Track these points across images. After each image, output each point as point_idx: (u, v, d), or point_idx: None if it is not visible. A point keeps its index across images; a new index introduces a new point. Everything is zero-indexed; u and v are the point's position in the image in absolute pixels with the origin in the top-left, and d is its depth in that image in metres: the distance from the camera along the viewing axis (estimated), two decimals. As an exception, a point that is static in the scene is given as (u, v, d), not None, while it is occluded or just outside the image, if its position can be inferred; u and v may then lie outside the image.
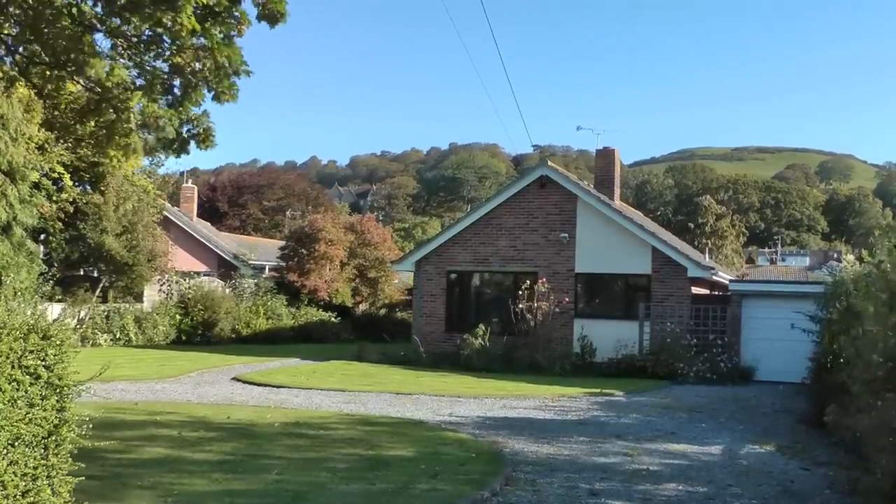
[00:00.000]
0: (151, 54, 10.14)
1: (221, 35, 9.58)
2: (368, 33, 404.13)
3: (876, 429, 7.80)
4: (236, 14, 9.57)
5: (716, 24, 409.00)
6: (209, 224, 48.80)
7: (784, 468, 11.56)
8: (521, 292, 26.06)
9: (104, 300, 30.81)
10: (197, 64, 9.66)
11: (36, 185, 24.33)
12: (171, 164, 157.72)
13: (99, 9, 9.91)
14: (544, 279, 26.48)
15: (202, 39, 9.53)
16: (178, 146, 10.44)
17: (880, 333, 8.48)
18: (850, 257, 18.15)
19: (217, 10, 9.38)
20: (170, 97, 10.08)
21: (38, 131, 22.94)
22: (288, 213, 63.54)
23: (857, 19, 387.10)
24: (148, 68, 10.09)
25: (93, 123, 11.82)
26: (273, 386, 19.50)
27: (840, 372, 12.72)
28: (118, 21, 9.75)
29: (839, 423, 11.43)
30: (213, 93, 9.89)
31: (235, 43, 9.62)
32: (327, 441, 12.14)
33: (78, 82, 11.39)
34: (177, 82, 10.18)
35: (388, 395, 18.48)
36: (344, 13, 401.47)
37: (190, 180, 50.05)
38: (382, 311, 41.95)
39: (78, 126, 14.53)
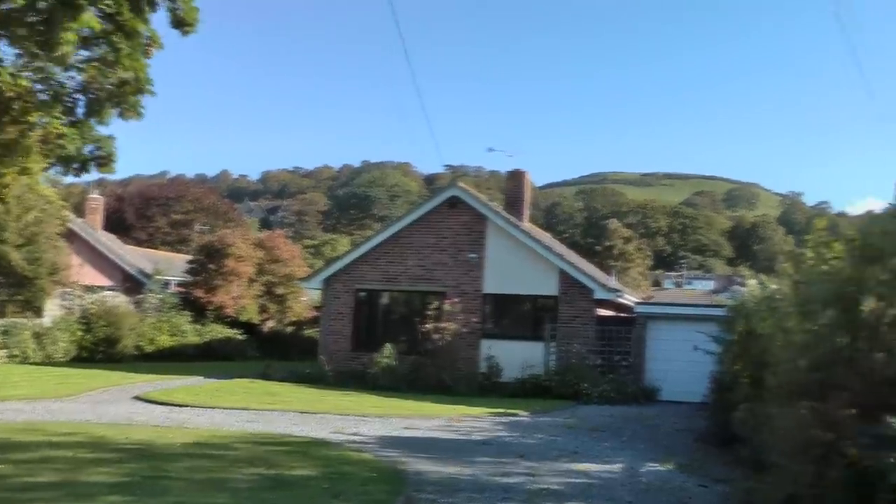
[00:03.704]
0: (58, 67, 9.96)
1: (128, 49, 9.47)
2: (283, 49, 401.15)
3: (780, 438, 8.05)
4: (146, 33, 9.49)
5: (628, 53, 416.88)
6: (115, 237, 47.72)
7: (682, 485, 11.82)
8: (429, 312, 26.17)
9: (1, 315, 29.94)
10: (104, 81, 9.52)
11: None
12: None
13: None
14: (453, 299, 26.64)
15: (110, 53, 9.41)
16: (79, 166, 10.25)
17: (792, 347, 8.79)
18: (753, 282, 18.67)
19: (122, 21, 9.27)
20: (72, 117, 9.90)
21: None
22: (196, 227, 62.63)
23: (763, 53, 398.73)
24: (53, 82, 9.91)
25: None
26: (175, 405, 19.16)
27: (740, 391, 13.07)
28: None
29: (741, 435, 11.73)
30: (118, 109, 9.76)
31: (141, 58, 9.52)
32: (229, 461, 11.99)
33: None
34: (81, 98, 10.01)
35: (292, 413, 18.34)
36: (258, 27, 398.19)
37: (96, 191, 48.90)
38: (290, 329, 41.64)
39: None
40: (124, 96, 9.57)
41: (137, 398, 20.46)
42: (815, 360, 8.13)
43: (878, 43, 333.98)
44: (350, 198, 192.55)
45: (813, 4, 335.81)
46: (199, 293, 37.20)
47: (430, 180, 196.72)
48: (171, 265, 42.91)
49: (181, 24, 9.44)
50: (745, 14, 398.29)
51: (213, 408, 18.86)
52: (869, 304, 7.91)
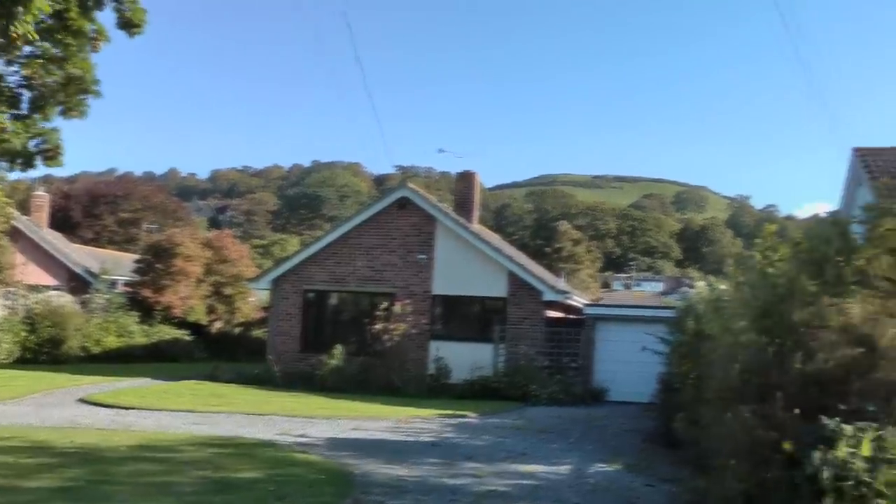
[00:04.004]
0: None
1: (74, 47, 9.39)
2: (233, 47, 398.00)
3: (726, 439, 8.18)
4: (93, 28, 9.41)
5: (578, 56, 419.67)
6: (61, 235, 46.99)
7: (630, 485, 11.95)
8: (378, 313, 26.16)
9: (-58, 315, 29.41)
10: (48, 79, 9.43)
11: None
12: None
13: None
14: (402, 300, 26.66)
15: (56, 50, 9.32)
16: (24, 161, 10.14)
17: (734, 349, 8.94)
18: (702, 283, 18.92)
19: (68, 19, 9.19)
20: (16, 110, 9.80)
21: None
22: (144, 226, 61.95)
23: (711, 56, 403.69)
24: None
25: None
26: (121, 407, 18.95)
27: (687, 391, 13.24)
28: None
29: (687, 438, 11.88)
30: (62, 107, 9.67)
31: (88, 57, 9.44)
32: (175, 464, 11.93)
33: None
34: (26, 94, 9.91)
35: (239, 415, 18.26)
36: (210, 25, 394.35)
37: (42, 188, 48.14)
38: (238, 330, 41.32)
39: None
40: (69, 95, 9.47)
41: (83, 401, 20.21)
42: (749, 363, 8.30)
43: (825, 46, 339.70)
44: (300, 198, 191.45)
45: (761, 9, 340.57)
46: (146, 293, 36.81)
47: (380, 181, 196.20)
48: (119, 264, 42.39)
49: (128, 24, 9.39)
50: (695, 18, 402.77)
51: (160, 410, 18.70)
52: (804, 308, 8.08)
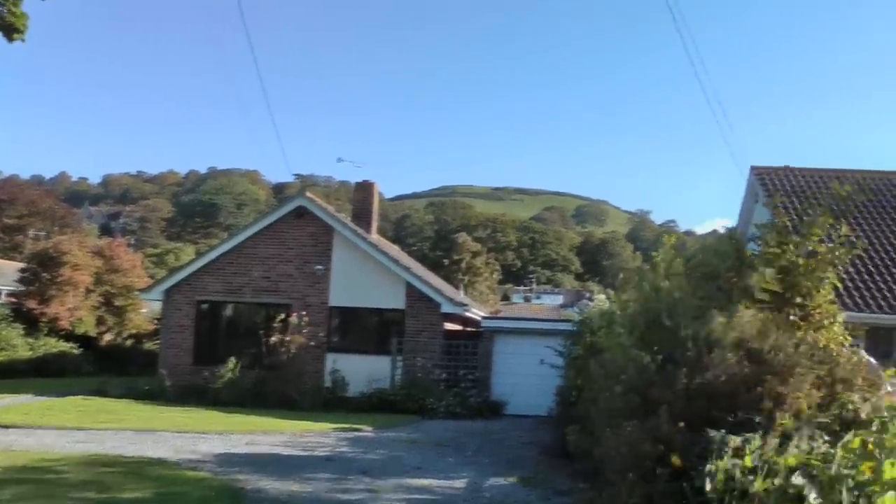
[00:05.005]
0: None
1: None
2: (129, 48, 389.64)
3: (614, 453, 8.32)
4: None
5: (479, 68, 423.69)
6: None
7: (525, 499, 12.08)
8: (274, 325, 25.91)
9: None
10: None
11: None
12: None
13: None
14: (298, 312, 26.44)
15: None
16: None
17: (623, 363, 9.10)
18: (602, 296, 19.27)
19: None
20: None
21: None
22: (31, 232, 60.23)
23: (609, 70, 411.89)
24: None
25: None
26: (1, 426, 18.29)
27: (583, 405, 13.45)
28: None
29: (580, 451, 12.06)
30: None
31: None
32: (58, 485, 11.58)
33: None
34: None
35: (128, 432, 17.82)
36: (104, 23, 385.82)
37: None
38: (129, 343, 40.36)
39: None
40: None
41: (-41, 418, 19.47)
42: (635, 377, 8.47)
43: (728, 66, 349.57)
44: (195, 205, 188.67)
45: (664, 28, 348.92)
46: (31, 304, 35.66)
47: (278, 189, 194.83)
48: (1, 273, 41.11)
49: (9, 29, 9.14)
50: (596, 34, 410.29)
51: (44, 428, 18.07)
52: (693, 322, 8.29)
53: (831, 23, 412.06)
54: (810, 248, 9.92)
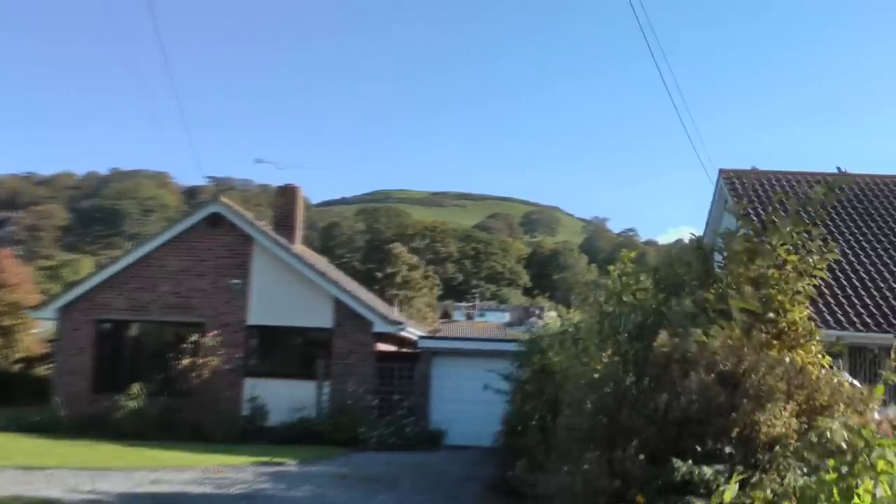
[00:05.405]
0: None
1: None
2: (20, 36, 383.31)
3: (565, 490, 8.28)
4: None
5: (416, 64, 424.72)
6: None
7: (465, 544, 12.02)
8: (185, 346, 25.62)
9: None
10: None
11: None
12: None
13: None
14: (212, 332, 26.17)
15: None
16: None
17: (586, 387, 9.06)
18: (553, 313, 19.29)
19: None
20: None
21: None
22: None
23: (558, 72, 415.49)
24: None
25: None
26: None
27: (531, 434, 13.39)
28: None
29: (528, 488, 12.01)
30: None
31: None
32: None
33: None
34: None
35: (15, 470, 17.32)
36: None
37: None
38: (17, 367, 39.61)
39: None
40: None
41: None
42: (601, 401, 8.43)
43: (693, 68, 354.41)
44: (95, 211, 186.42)
45: (625, 23, 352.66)
46: None
47: (191, 193, 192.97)
48: None
49: None
50: (551, 31, 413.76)
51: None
52: (661, 339, 8.25)
53: (809, 29, 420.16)
54: (780, 256, 9.92)
